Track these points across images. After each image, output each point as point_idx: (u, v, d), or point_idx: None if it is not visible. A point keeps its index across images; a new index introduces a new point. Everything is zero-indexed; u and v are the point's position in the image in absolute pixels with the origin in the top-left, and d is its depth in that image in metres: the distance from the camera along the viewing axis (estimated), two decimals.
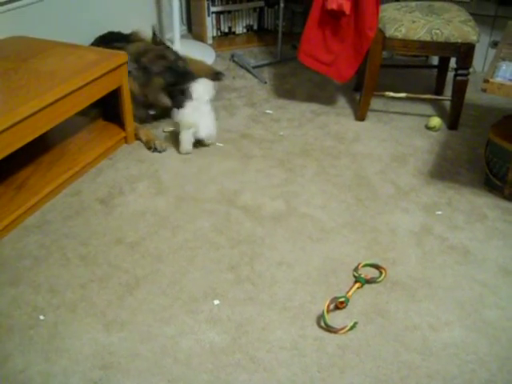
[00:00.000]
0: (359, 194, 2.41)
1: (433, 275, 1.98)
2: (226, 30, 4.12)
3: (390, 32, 2.72)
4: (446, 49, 2.73)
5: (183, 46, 3.56)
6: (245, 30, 4.19)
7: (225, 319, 1.79)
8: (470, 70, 2.79)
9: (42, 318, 1.78)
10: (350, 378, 1.61)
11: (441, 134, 2.91)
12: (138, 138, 2.78)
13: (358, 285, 1.90)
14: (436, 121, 2.91)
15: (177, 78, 2.88)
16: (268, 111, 3.09)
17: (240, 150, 2.74)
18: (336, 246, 2.11)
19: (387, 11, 2.85)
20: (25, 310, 1.81)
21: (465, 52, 2.71)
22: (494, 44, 3.46)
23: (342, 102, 3.23)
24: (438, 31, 2.68)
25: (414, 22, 2.72)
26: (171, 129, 2.88)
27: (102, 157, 2.61)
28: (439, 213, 2.30)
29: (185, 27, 4.17)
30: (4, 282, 1.92)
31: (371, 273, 1.97)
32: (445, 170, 2.59)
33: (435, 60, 3.53)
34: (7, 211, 2.17)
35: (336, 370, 1.63)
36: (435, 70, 3.32)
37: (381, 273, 1.96)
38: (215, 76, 3.46)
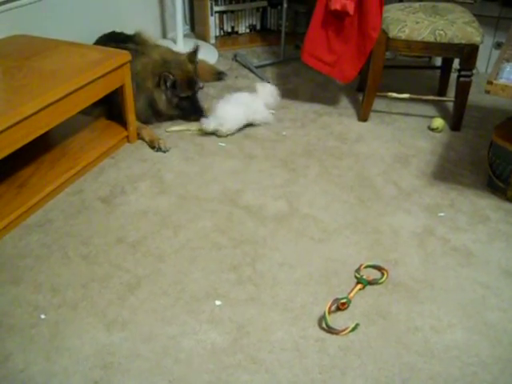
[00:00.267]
0: (362, 195, 2.41)
1: (435, 277, 1.97)
2: (229, 30, 4.11)
3: (394, 33, 2.72)
4: (450, 50, 2.73)
5: (186, 46, 3.55)
6: (248, 30, 4.18)
7: (226, 320, 1.78)
8: (474, 71, 2.78)
9: (42, 317, 1.78)
10: (352, 380, 1.60)
11: (444, 135, 2.90)
12: (140, 138, 2.78)
13: (359, 286, 1.90)
14: (439, 122, 2.90)
15: (188, 106, 2.91)
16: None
17: (242, 149, 2.73)
18: (338, 247, 2.10)
19: (391, 12, 2.84)
20: (26, 309, 1.80)
21: (468, 53, 2.70)
22: (498, 45, 3.45)
23: (344, 102, 3.22)
24: (441, 32, 2.67)
25: (417, 22, 2.71)
26: (174, 129, 2.88)
27: (105, 156, 2.61)
28: (442, 214, 2.30)
29: (188, 26, 4.16)
30: (5, 280, 1.92)
31: (373, 274, 1.96)
32: (447, 172, 2.58)
33: (438, 61, 3.52)
34: (9, 210, 2.16)
35: (337, 371, 1.62)
36: (438, 71, 3.31)
37: (383, 274, 1.96)
38: (218, 76, 3.46)
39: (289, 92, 3.32)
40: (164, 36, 3.93)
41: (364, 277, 1.92)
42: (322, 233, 2.18)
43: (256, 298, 1.87)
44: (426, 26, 2.69)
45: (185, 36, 3.78)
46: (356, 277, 1.94)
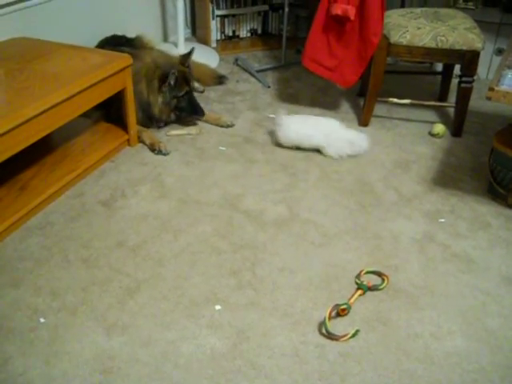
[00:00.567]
0: (362, 200, 2.41)
1: (435, 283, 1.97)
2: (230, 34, 4.12)
3: (395, 38, 2.72)
4: (451, 56, 2.73)
5: (187, 49, 3.55)
6: (249, 34, 4.19)
7: (226, 325, 1.78)
8: (475, 77, 2.78)
9: (42, 320, 1.77)
10: None
11: (444, 140, 2.90)
12: (141, 141, 2.78)
13: (360, 292, 1.89)
14: (440, 128, 2.90)
15: (187, 106, 2.90)
16: (271, 115, 3.09)
17: (243, 154, 2.73)
18: (338, 253, 2.10)
19: (392, 17, 2.85)
20: (25, 313, 1.80)
21: (469, 59, 2.71)
22: (499, 51, 3.46)
23: (345, 107, 3.22)
24: (443, 38, 2.67)
25: (419, 28, 2.72)
26: (174, 133, 2.88)
27: (105, 159, 2.61)
28: (442, 220, 2.29)
29: (189, 30, 4.17)
30: (5, 283, 1.91)
31: (373, 280, 1.96)
32: (448, 178, 2.58)
33: (439, 67, 3.53)
34: (10, 212, 2.16)
35: (337, 377, 1.62)
36: (439, 77, 3.31)
37: (383, 280, 1.96)
38: (219, 79, 3.46)
39: (289, 96, 3.33)
40: (165, 39, 3.94)
41: (364, 282, 1.92)
42: (322, 238, 2.18)
43: (256, 303, 1.86)
44: (428, 31, 2.70)
45: (186, 40, 3.79)
46: (356, 282, 1.94)
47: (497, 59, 3.42)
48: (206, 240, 2.15)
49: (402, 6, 3.48)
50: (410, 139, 2.90)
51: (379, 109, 3.13)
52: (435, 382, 1.62)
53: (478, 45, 2.66)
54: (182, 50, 3.53)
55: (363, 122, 3.00)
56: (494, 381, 1.62)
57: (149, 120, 2.87)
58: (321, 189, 2.48)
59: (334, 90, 3.39)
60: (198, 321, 1.79)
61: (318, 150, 2.73)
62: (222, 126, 2.96)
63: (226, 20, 4.04)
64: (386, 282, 1.94)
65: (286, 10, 3.55)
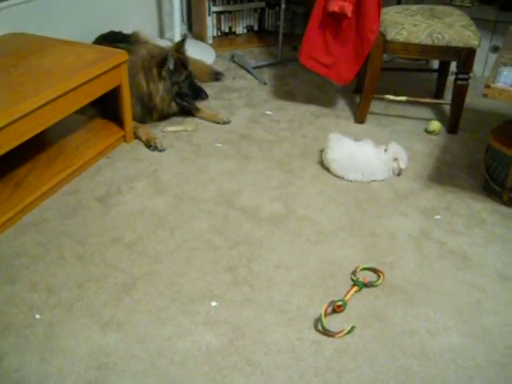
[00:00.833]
0: (358, 197, 2.41)
1: (431, 280, 1.97)
2: (227, 30, 4.11)
3: (391, 35, 2.72)
4: (447, 53, 2.73)
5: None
6: (245, 31, 4.18)
7: (222, 321, 1.78)
8: (471, 74, 2.78)
9: (38, 317, 1.77)
10: (347, 383, 1.60)
11: (440, 138, 2.90)
12: (137, 137, 2.77)
13: (355, 288, 1.90)
14: (436, 125, 2.91)
15: (189, 91, 2.88)
16: (268, 112, 3.09)
17: (239, 150, 2.73)
18: (334, 249, 2.10)
19: (388, 14, 2.84)
20: (21, 309, 1.79)
21: (465, 56, 2.71)
22: (495, 49, 3.46)
23: (341, 104, 3.22)
24: (439, 35, 2.67)
25: (415, 25, 2.72)
26: (170, 129, 2.87)
27: (101, 155, 2.60)
28: (438, 217, 2.30)
29: (185, 26, 4.16)
30: (0, 279, 1.91)
31: (369, 276, 1.96)
32: (444, 175, 2.58)
33: (436, 64, 3.53)
34: (4, 209, 2.15)
35: (333, 374, 1.62)
36: (435, 74, 3.31)
37: (379, 277, 1.96)
38: (215, 76, 3.45)
39: (286, 93, 3.32)
40: (161, 36, 3.93)
41: (360, 279, 1.92)
42: (318, 234, 2.18)
43: (252, 300, 1.86)
44: (424, 28, 2.70)
45: (182, 36, 3.77)
46: (352, 279, 1.94)
47: (493, 56, 3.42)
48: (201, 236, 2.14)
49: (399, 2, 3.48)
50: (406, 136, 2.90)
51: (375, 106, 3.13)
52: (430, 378, 1.62)
53: (474, 42, 2.66)
54: None
55: (359, 118, 3.00)
56: (489, 377, 1.63)
57: (148, 113, 2.86)
58: (317, 186, 2.48)
59: (331, 86, 3.39)
60: (193, 317, 1.79)
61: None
62: (218, 123, 2.95)
63: (222, 16, 4.03)
64: (381, 278, 1.95)
65: (283, 6, 3.55)
